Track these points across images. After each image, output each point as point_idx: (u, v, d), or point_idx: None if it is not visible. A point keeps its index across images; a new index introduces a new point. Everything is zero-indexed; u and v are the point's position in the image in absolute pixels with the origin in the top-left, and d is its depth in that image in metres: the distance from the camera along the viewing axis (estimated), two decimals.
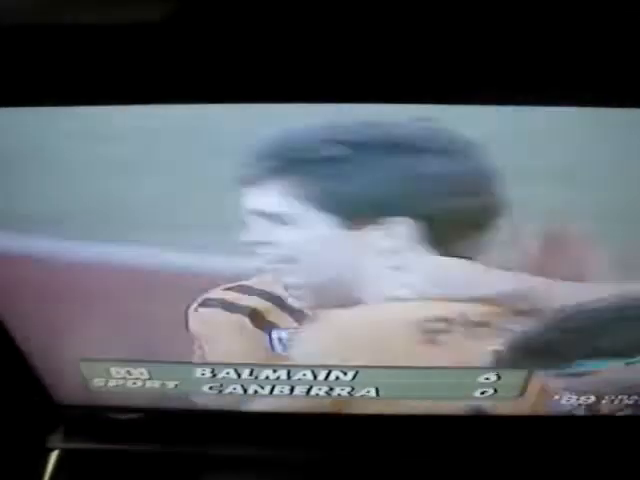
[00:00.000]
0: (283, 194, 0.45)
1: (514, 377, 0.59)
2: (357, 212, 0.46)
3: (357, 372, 0.58)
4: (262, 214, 0.47)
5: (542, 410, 0.63)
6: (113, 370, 0.60)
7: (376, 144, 0.42)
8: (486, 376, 0.58)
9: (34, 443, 0.69)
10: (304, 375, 0.59)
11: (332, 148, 0.42)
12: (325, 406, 0.64)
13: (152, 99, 0.38)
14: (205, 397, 0.63)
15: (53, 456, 0.69)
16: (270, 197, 0.46)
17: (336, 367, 0.58)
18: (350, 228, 0.47)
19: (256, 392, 0.62)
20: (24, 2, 0.35)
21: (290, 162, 0.43)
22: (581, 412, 0.62)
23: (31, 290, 0.52)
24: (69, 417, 0.68)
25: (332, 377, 0.59)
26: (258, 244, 0.48)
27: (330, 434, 0.67)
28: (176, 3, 0.34)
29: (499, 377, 0.58)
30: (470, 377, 0.59)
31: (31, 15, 0.35)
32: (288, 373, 0.59)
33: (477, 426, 0.65)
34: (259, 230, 0.47)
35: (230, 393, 0.62)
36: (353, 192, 0.44)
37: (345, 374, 0.58)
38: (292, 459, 0.69)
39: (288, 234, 0.48)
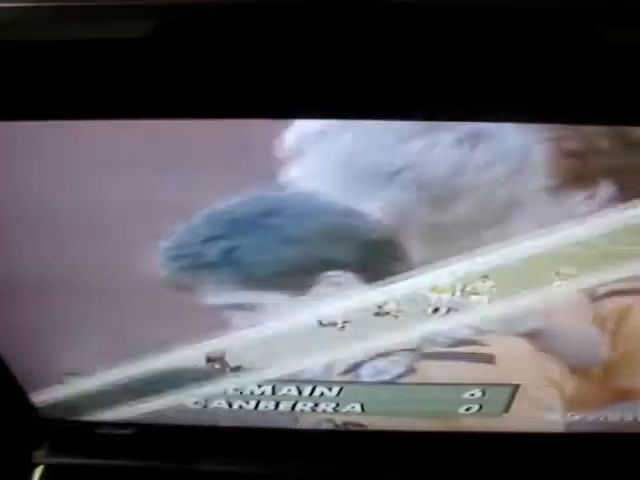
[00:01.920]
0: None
1: (499, 393, 0.59)
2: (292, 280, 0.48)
3: (342, 388, 0.58)
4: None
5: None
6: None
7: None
8: (471, 392, 0.59)
9: (19, 458, 0.68)
10: (289, 390, 0.59)
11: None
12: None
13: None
14: (192, 413, 0.63)
15: (38, 472, 0.68)
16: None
17: (321, 383, 0.58)
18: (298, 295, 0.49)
19: (241, 407, 0.62)
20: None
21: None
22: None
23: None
24: (54, 432, 0.68)
25: (317, 393, 0.59)
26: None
27: (320, 451, 0.67)
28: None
29: (484, 393, 0.58)
30: (454, 393, 0.59)
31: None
32: (273, 389, 0.59)
33: (462, 443, 0.65)
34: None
35: (215, 408, 0.62)
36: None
37: (330, 390, 0.58)
38: (282, 476, 0.68)
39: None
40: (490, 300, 0.51)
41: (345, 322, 0.53)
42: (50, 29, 0.35)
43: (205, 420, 0.65)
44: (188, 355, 0.56)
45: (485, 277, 0.50)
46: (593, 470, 0.65)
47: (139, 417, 0.64)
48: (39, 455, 0.69)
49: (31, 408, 0.63)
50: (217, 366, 0.58)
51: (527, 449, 0.65)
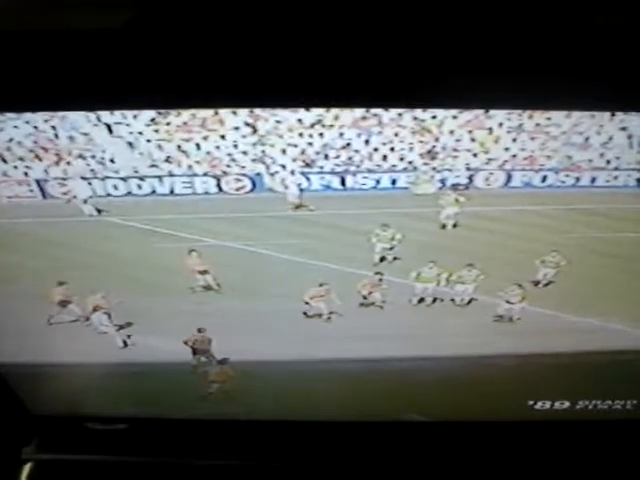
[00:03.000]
0: None
1: None
2: None
3: None
4: None
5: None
6: None
7: None
8: None
9: (7, 455, 0.68)
10: None
11: None
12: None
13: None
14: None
15: (27, 468, 0.68)
16: None
17: None
18: None
19: None
20: None
21: None
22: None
23: None
24: (44, 428, 0.68)
25: None
26: None
27: (312, 444, 0.67)
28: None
29: None
30: None
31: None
32: None
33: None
34: None
35: None
36: None
37: None
38: (274, 469, 0.68)
39: None
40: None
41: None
42: None
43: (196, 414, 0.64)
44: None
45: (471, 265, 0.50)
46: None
47: (129, 412, 0.64)
48: (28, 451, 0.68)
49: (20, 404, 0.63)
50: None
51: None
